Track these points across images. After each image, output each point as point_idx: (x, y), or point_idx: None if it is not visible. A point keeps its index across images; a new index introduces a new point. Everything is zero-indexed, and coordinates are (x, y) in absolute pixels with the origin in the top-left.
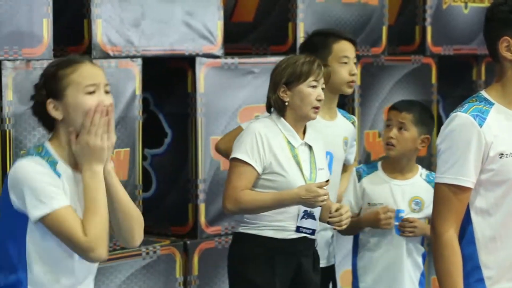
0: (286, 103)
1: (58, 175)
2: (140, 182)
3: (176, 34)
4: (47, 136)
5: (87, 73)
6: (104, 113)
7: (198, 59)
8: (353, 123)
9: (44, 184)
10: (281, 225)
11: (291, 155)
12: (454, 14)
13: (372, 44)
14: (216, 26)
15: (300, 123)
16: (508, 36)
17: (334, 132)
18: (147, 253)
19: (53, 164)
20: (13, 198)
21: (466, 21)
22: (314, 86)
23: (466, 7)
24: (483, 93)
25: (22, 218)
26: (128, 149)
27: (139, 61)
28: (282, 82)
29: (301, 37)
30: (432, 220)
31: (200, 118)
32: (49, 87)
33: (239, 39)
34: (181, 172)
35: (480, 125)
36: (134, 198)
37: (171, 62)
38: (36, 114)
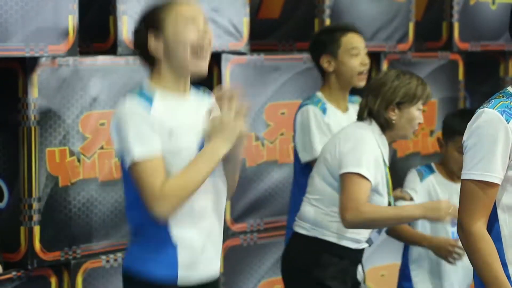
0: (393, 121)
1: (149, 109)
2: None
3: None
4: (72, 133)
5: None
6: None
7: (224, 56)
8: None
9: (135, 129)
10: (357, 238)
11: (385, 173)
12: (482, 10)
13: (399, 40)
14: (242, 22)
15: (393, 141)
16: None
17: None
18: None
19: (149, 97)
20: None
21: (493, 17)
22: (420, 110)
23: (493, 3)
24: (510, 89)
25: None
26: None
27: None
28: (395, 101)
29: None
30: (459, 217)
31: None
32: (149, 20)
33: (265, 35)
34: None
35: (508, 121)
36: None
37: None
38: (137, 47)
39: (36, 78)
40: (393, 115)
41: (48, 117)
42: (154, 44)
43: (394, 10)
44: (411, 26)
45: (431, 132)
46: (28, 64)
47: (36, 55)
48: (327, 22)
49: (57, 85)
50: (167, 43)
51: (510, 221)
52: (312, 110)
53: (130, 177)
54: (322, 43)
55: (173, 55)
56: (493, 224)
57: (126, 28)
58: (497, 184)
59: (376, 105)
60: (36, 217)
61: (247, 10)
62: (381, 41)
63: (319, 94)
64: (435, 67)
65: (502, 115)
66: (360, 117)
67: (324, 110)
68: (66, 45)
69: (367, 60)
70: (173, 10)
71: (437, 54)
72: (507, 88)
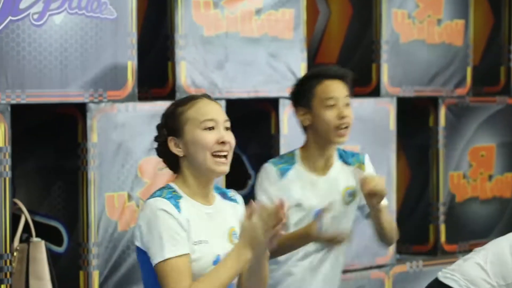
0: None
1: (179, 209)
2: None
3: (260, 76)
4: (132, 178)
5: (204, 109)
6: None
7: (281, 101)
8: (359, 166)
9: (166, 230)
10: None
11: None
12: None
13: (456, 85)
14: (300, 67)
15: None
16: None
17: (329, 187)
18: None
19: (176, 198)
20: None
21: None
22: None
23: None
24: None
25: (147, 257)
26: None
27: (223, 103)
28: None
29: (385, 78)
30: None
31: None
32: (169, 125)
33: None
34: None
35: None
36: None
37: (254, 104)
38: (160, 154)
39: (95, 123)
40: None
41: (107, 161)
42: (174, 150)
43: (452, 54)
44: (468, 71)
45: (490, 177)
46: (87, 110)
47: (95, 101)
48: (385, 67)
49: (116, 130)
50: (187, 149)
51: None
52: (267, 169)
53: (155, 274)
54: (297, 94)
55: (193, 160)
56: None
57: (184, 74)
58: None
59: None
60: (95, 262)
61: (305, 55)
62: (438, 86)
63: (296, 151)
64: (493, 112)
65: None
66: None
67: (284, 172)
68: (125, 91)
69: (346, 113)
70: (191, 116)
71: (495, 99)
72: None
